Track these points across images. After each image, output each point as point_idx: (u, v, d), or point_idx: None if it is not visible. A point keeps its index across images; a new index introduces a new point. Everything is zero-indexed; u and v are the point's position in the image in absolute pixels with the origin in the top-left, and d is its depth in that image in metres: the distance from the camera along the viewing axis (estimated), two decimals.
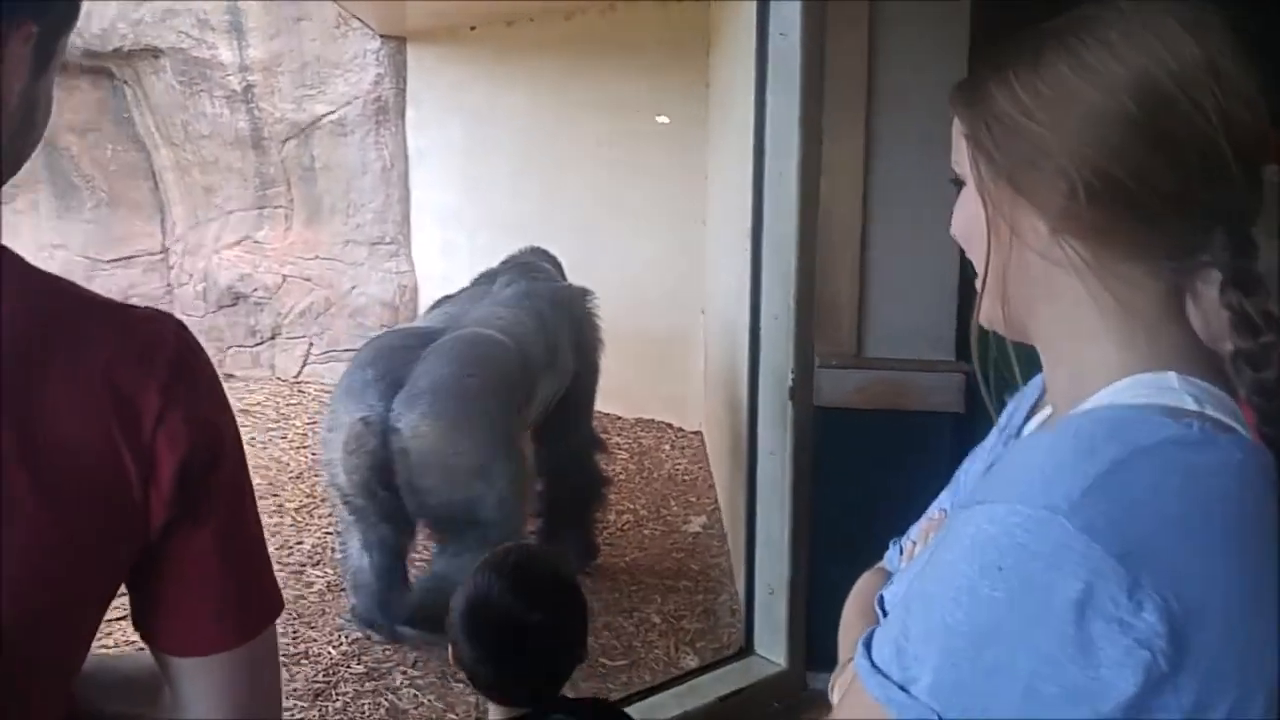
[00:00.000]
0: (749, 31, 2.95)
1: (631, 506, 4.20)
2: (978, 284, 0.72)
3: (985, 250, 0.70)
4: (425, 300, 6.16)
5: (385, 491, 2.63)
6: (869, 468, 2.50)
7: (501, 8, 5.23)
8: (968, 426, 2.53)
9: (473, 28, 5.59)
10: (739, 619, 3.18)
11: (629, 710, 2.49)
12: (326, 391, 6.10)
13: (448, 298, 3.51)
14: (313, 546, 3.73)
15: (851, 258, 2.41)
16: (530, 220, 5.55)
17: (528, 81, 5.47)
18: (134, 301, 0.77)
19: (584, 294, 3.48)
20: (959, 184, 0.74)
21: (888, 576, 0.96)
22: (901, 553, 0.96)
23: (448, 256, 6.05)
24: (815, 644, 2.61)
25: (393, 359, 2.70)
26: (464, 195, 5.89)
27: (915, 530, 0.96)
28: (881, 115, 2.35)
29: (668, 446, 5.02)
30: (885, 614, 0.82)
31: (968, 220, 0.73)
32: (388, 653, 2.93)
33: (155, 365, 0.71)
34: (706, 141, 4.95)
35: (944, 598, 0.58)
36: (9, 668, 0.68)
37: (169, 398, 0.71)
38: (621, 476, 4.57)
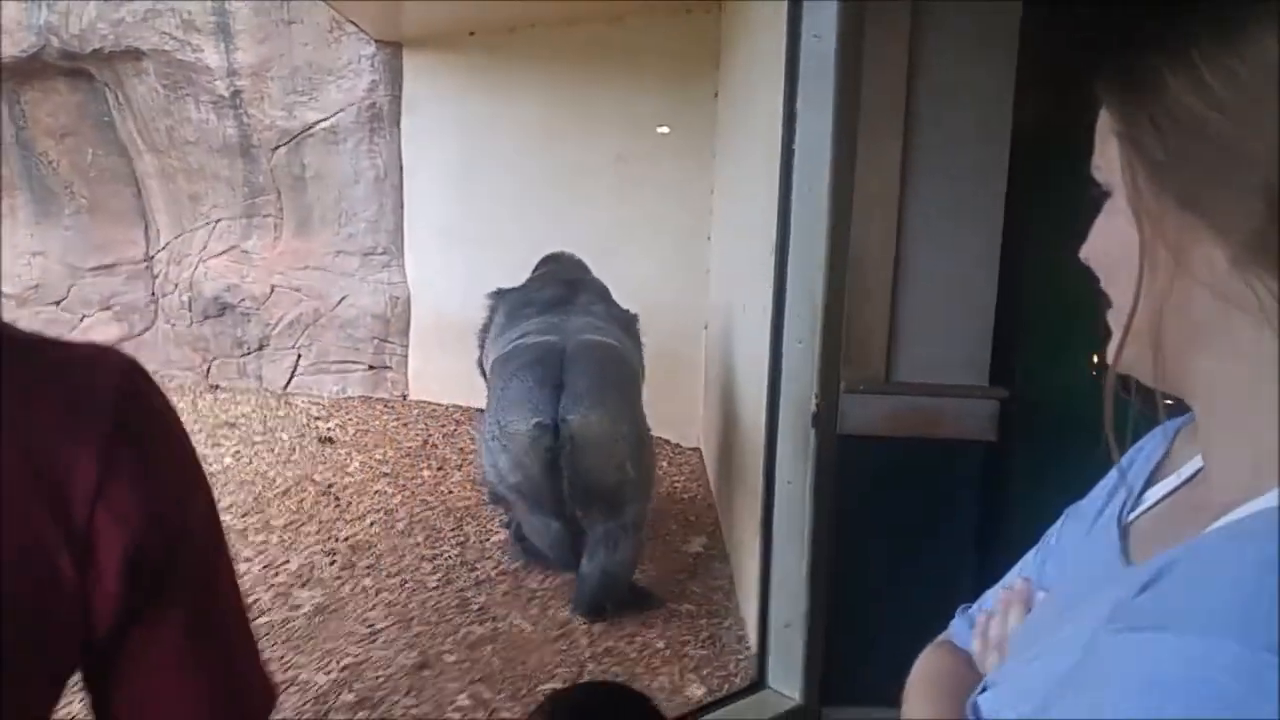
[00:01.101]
0: (770, 37, 2.85)
1: None
2: (1111, 320, 0.59)
3: (1135, 283, 0.55)
4: (418, 313, 6.05)
5: (554, 482, 3.07)
6: (895, 498, 2.40)
7: (502, 13, 5.13)
8: (1000, 456, 2.43)
9: (472, 33, 5.49)
10: (745, 645, 3.06)
11: None
12: (315, 403, 5.98)
13: (500, 294, 3.92)
14: (300, 566, 3.58)
15: (884, 278, 2.30)
16: (529, 233, 5.44)
17: (529, 90, 5.37)
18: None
19: (636, 318, 3.85)
20: (1101, 195, 0.59)
21: (959, 656, 0.82)
22: (972, 626, 0.82)
23: (442, 268, 5.93)
24: (831, 678, 2.51)
25: (544, 369, 3.15)
26: (460, 206, 5.78)
27: (991, 599, 0.82)
28: (920, 127, 2.23)
29: (665, 463, 4.91)
30: None
31: (1112, 243, 0.57)
32: (380, 680, 2.79)
33: (90, 424, 0.55)
34: (713, 155, 4.87)
35: None
36: None
37: (109, 466, 0.56)
38: None
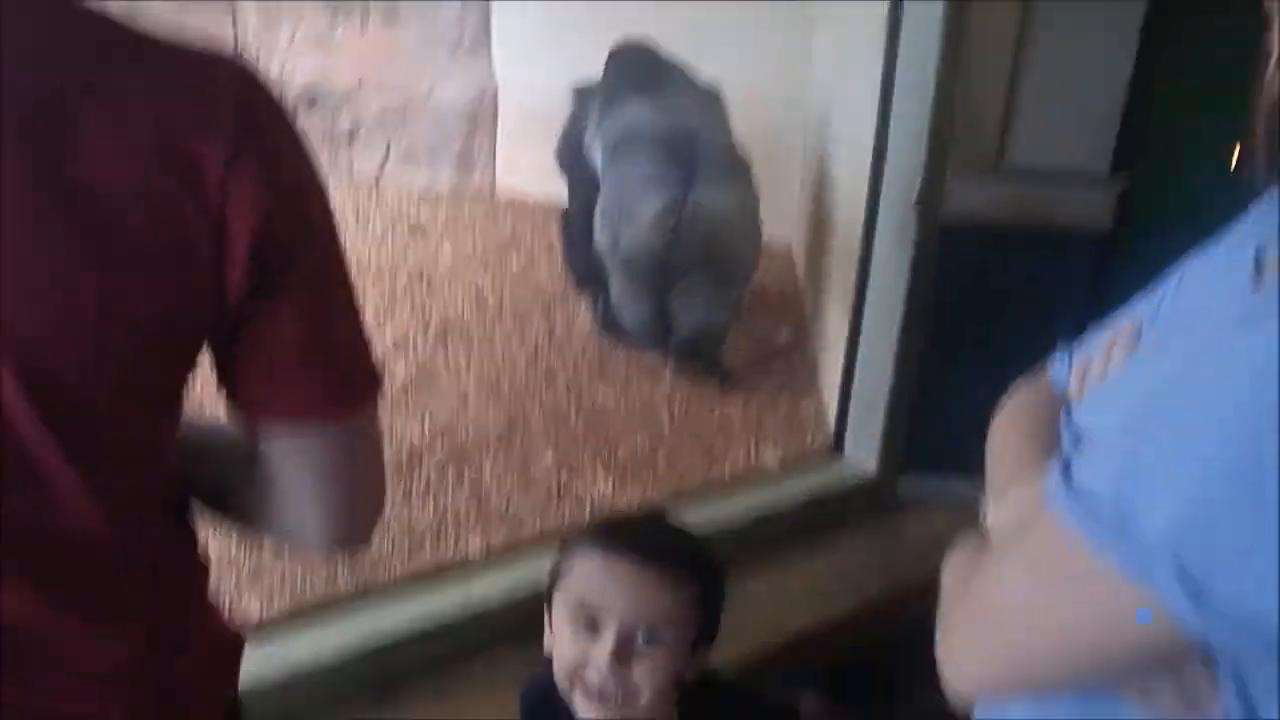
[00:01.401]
0: None
1: None
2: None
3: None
4: (506, 106, 5.96)
5: (669, 256, 3.30)
6: (997, 289, 2.32)
7: None
8: (1113, 250, 2.32)
9: None
10: (825, 427, 3.14)
11: (714, 503, 2.49)
12: (405, 194, 6.06)
13: (584, 91, 4.09)
14: (395, 338, 3.75)
15: (1004, 47, 2.15)
16: (620, 22, 5.23)
17: None
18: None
19: (719, 95, 3.97)
20: None
21: (1054, 394, 0.79)
22: (1072, 368, 0.79)
23: (530, 59, 5.79)
24: (909, 446, 2.53)
25: (669, 151, 3.39)
26: None
27: (1095, 341, 0.79)
28: None
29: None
30: (1075, 437, 0.68)
31: None
32: (471, 441, 2.97)
33: (216, 115, 0.60)
34: None
35: (1208, 430, 0.45)
36: (92, 442, 0.61)
37: (236, 154, 0.60)
38: None
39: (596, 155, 3.77)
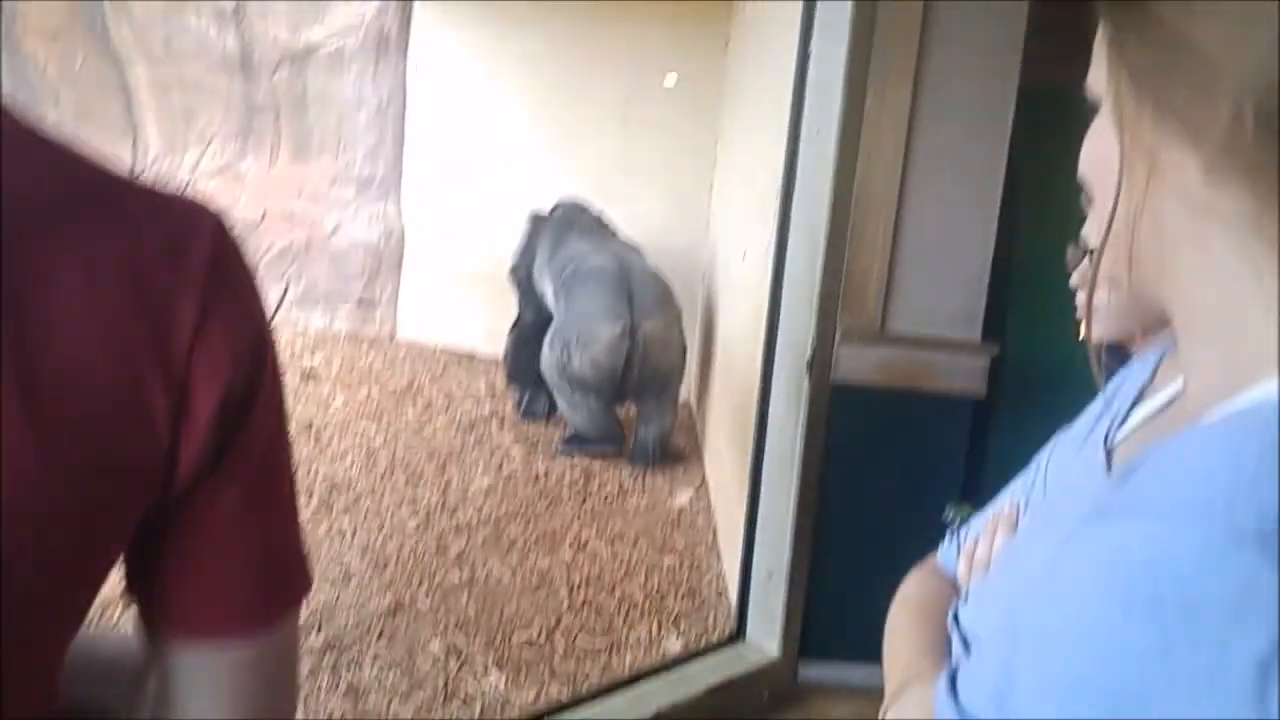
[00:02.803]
0: None
1: (616, 476, 4.02)
2: (1093, 232, 0.58)
3: (1115, 189, 0.56)
4: (412, 249, 5.92)
5: (625, 372, 4.02)
6: (882, 450, 2.37)
7: None
8: (989, 412, 2.42)
9: None
10: (725, 600, 3.02)
11: (614, 698, 2.35)
12: (300, 336, 5.88)
13: (539, 219, 4.78)
14: None
15: (885, 225, 2.23)
16: (530, 171, 5.32)
17: (540, 26, 5.21)
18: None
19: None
20: (1094, 111, 0.59)
21: (944, 579, 0.82)
22: (959, 551, 0.82)
23: (439, 203, 5.80)
24: (809, 632, 2.48)
25: (619, 288, 4.09)
26: (463, 139, 5.63)
27: (979, 523, 0.81)
28: (930, 78, 2.18)
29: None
30: (963, 638, 0.69)
31: (1097, 153, 0.58)
32: (351, 624, 2.74)
33: (191, 264, 0.55)
34: (720, 105, 4.73)
35: (1070, 638, 0.44)
36: None
37: (208, 306, 0.55)
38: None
39: (546, 283, 4.44)
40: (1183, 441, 0.49)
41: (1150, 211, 0.54)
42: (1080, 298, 1.31)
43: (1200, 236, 0.53)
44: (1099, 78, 0.58)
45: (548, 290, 4.45)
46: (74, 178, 0.55)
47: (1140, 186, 0.55)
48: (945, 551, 0.85)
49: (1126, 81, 0.55)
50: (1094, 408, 0.74)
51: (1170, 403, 0.63)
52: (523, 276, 4.74)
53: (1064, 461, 0.74)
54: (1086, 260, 1.23)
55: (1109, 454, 0.64)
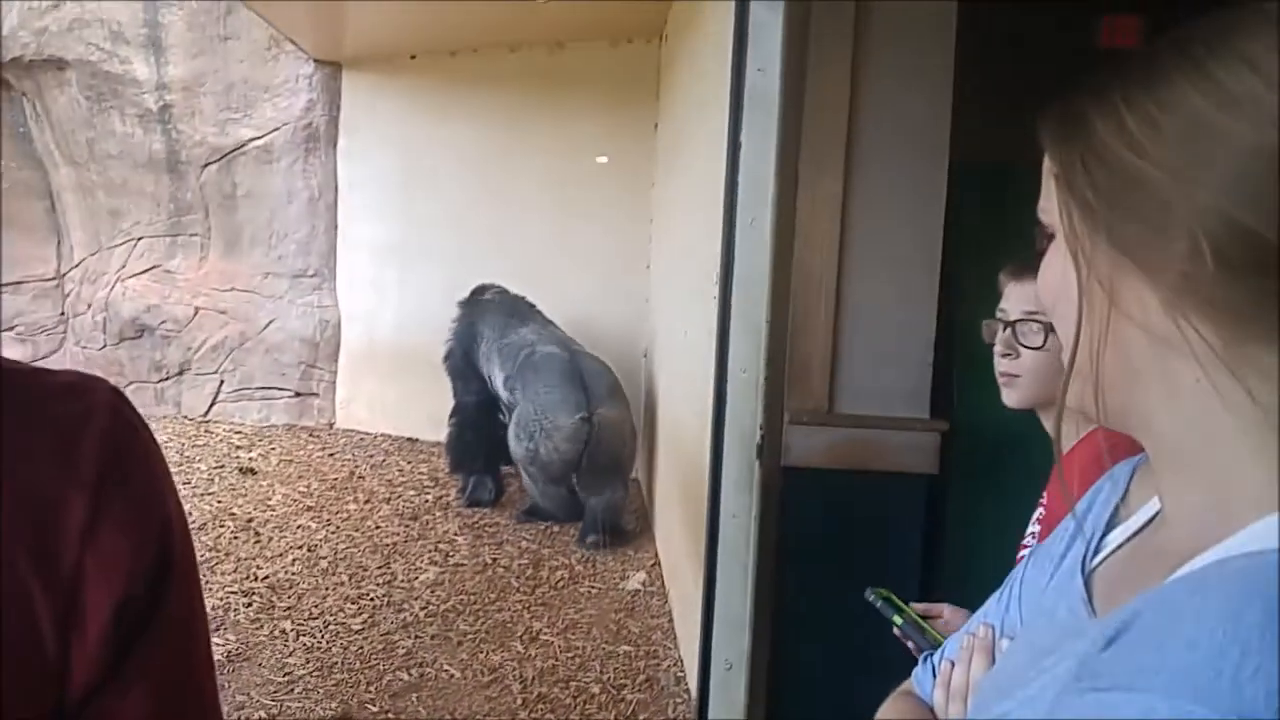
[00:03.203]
0: (714, 70, 2.83)
1: (566, 561, 3.97)
2: (1064, 357, 0.57)
3: (1075, 321, 0.55)
4: (348, 338, 5.86)
5: (581, 457, 4.18)
6: (838, 532, 2.37)
7: (444, 37, 5.06)
8: (942, 488, 2.43)
9: (413, 56, 5.40)
10: (684, 688, 2.97)
11: None
12: (237, 431, 5.73)
13: (474, 304, 4.80)
14: (213, 608, 3.38)
15: (826, 308, 2.27)
16: (464, 259, 5.34)
17: (468, 115, 5.30)
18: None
19: None
20: (1047, 236, 0.58)
21: (921, 705, 0.81)
22: (935, 675, 0.81)
23: (375, 291, 5.78)
24: None
25: (574, 377, 4.27)
26: (396, 229, 5.65)
27: (952, 647, 0.80)
28: (861, 161, 2.24)
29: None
30: None
31: (1054, 280, 0.57)
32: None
33: (80, 460, 0.50)
34: (652, 184, 4.84)
35: None
36: None
37: (99, 506, 0.50)
38: (554, 529, 4.34)
39: (495, 368, 4.53)
40: (1175, 598, 0.46)
41: (1114, 343, 0.53)
42: (1002, 365, 1.32)
43: (1167, 369, 0.51)
44: (1050, 206, 0.57)
45: (497, 376, 4.54)
46: None
47: (1101, 318, 0.53)
48: (920, 676, 0.84)
49: (1077, 215, 0.54)
50: (1067, 525, 0.70)
51: (1148, 524, 0.61)
52: (458, 362, 4.76)
53: (1038, 585, 0.71)
54: (1004, 331, 1.30)
55: (1088, 583, 0.62)
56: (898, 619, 1.33)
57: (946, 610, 1.38)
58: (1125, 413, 0.55)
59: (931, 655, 0.84)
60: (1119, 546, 0.62)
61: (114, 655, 0.51)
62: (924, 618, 1.37)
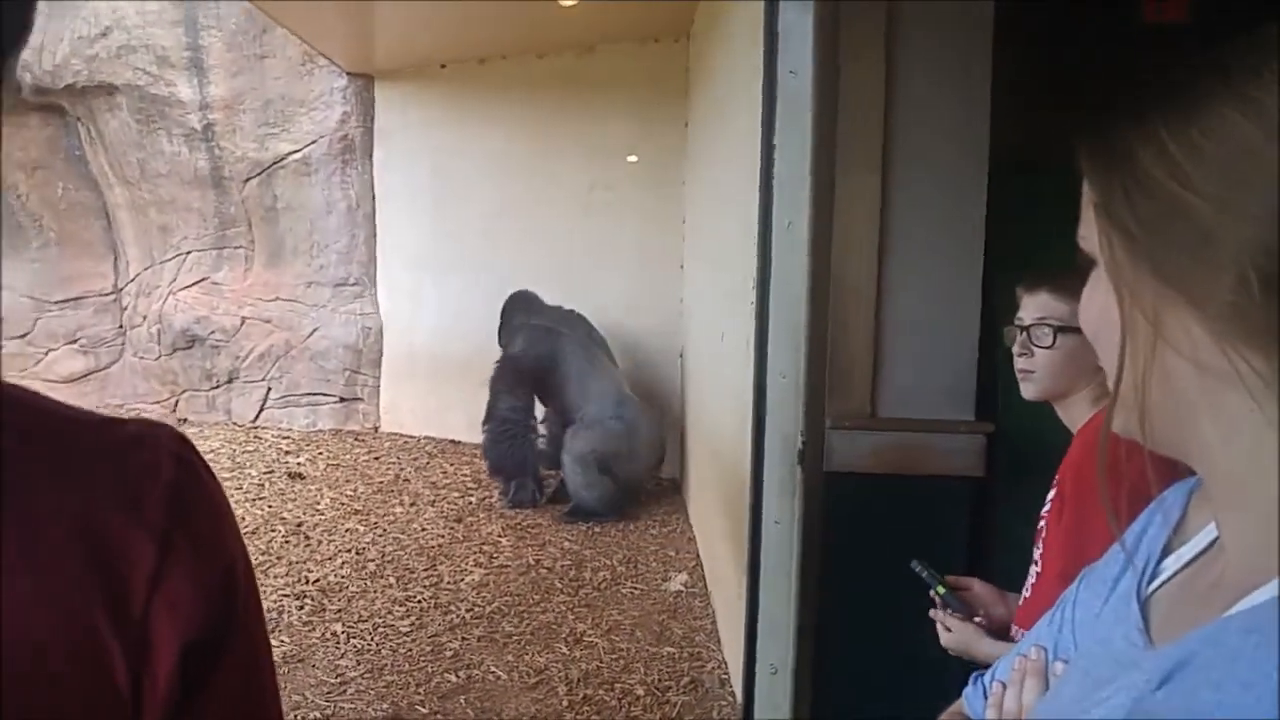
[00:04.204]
0: (743, 69, 2.83)
1: (608, 562, 3.99)
2: (1109, 384, 0.56)
3: (1119, 352, 0.54)
4: (390, 343, 5.95)
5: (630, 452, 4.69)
6: (883, 537, 2.33)
7: (473, 45, 5.11)
8: (988, 491, 2.38)
9: (443, 66, 5.46)
10: (729, 690, 2.98)
11: None
12: (285, 437, 5.85)
13: (521, 302, 4.94)
14: (267, 610, 3.46)
15: (865, 311, 2.24)
16: (502, 261, 5.39)
17: (501, 120, 5.34)
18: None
19: None
20: (1089, 263, 0.57)
21: None
22: (986, 696, 0.80)
23: (414, 298, 5.86)
24: None
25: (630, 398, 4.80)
26: (433, 236, 5.71)
27: (1004, 668, 0.79)
28: (898, 162, 2.20)
29: (643, 496, 4.83)
30: None
31: (1096, 308, 0.56)
32: None
33: (148, 507, 0.52)
34: (683, 183, 4.84)
35: None
36: None
37: (166, 553, 0.52)
38: (596, 530, 4.37)
39: (570, 399, 4.77)
40: (1230, 638, 0.46)
41: (1159, 372, 0.52)
42: (1019, 363, 1.48)
43: (1216, 399, 0.50)
44: (1090, 234, 0.56)
45: (573, 404, 4.79)
46: (22, 431, 0.52)
47: (1146, 348, 0.52)
48: (971, 696, 0.84)
49: (1119, 244, 0.53)
50: (1118, 548, 0.69)
51: (1206, 549, 0.59)
52: (519, 373, 4.79)
53: (1092, 609, 0.70)
54: (1020, 335, 1.46)
55: (1144, 609, 0.61)
56: (940, 588, 1.54)
57: (976, 584, 1.59)
58: (1177, 443, 0.54)
59: (982, 676, 0.84)
60: (1176, 573, 0.61)
61: (182, 694, 0.53)
62: (954, 589, 1.56)
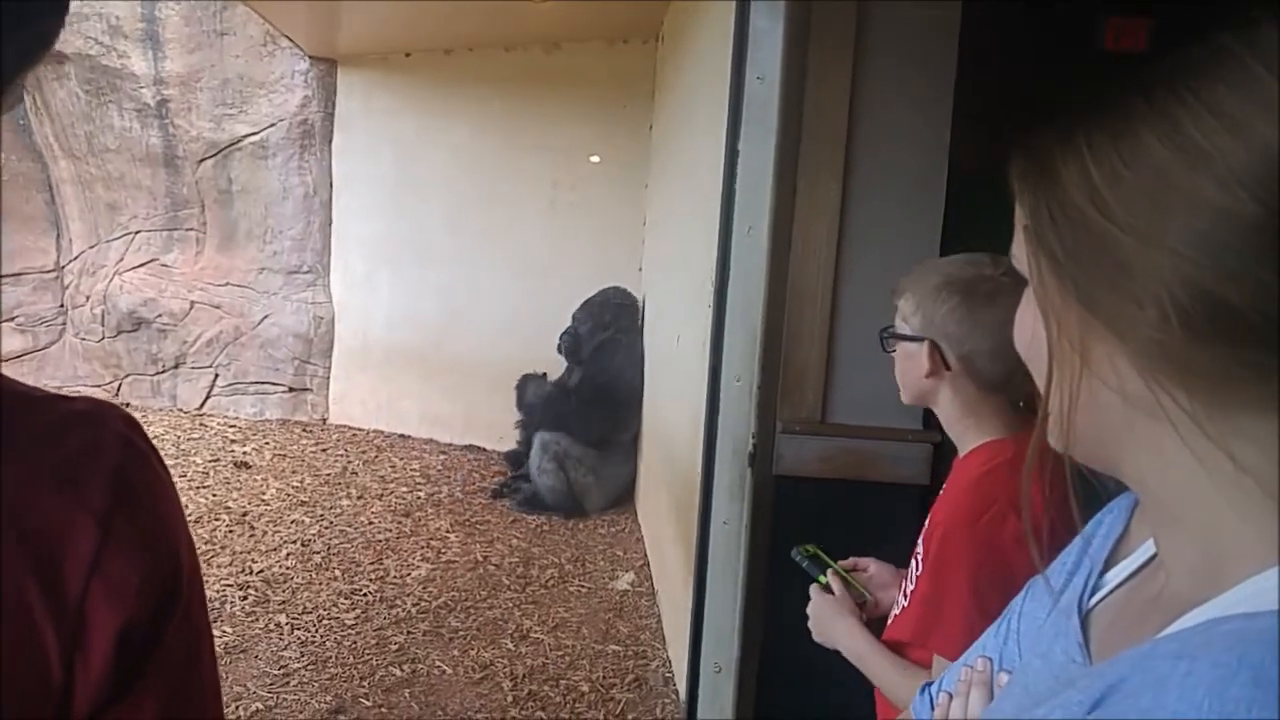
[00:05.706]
0: (709, 74, 2.86)
1: (556, 560, 3.99)
2: (1039, 405, 0.55)
3: (1047, 372, 0.52)
4: (342, 334, 5.87)
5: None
6: (829, 541, 2.36)
7: (440, 35, 5.07)
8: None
9: (409, 54, 5.40)
10: (672, 688, 3.00)
11: None
12: (231, 425, 5.75)
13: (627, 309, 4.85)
14: (209, 600, 3.38)
15: (821, 318, 2.27)
16: (460, 255, 5.36)
17: (465, 113, 5.31)
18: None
19: None
20: (1023, 283, 0.56)
21: None
22: (933, 705, 0.81)
23: (369, 289, 5.79)
24: None
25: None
26: (390, 227, 5.65)
27: (949, 679, 0.80)
28: (859, 171, 2.23)
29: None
30: None
31: (1029, 334, 0.55)
32: None
33: (91, 489, 0.51)
34: (646, 186, 4.86)
35: None
36: None
37: (107, 535, 0.51)
38: (545, 527, 4.37)
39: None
40: (1161, 663, 0.44)
41: (1087, 398, 0.50)
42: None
43: (1145, 432, 0.49)
44: (1021, 254, 0.54)
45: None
46: None
47: (1073, 375, 0.51)
48: (918, 706, 0.84)
49: (1047, 269, 0.51)
50: (1068, 555, 0.68)
51: (1147, 564, 0.59)
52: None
53: (1036, 619, 0.70)
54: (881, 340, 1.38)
55: (1084, 623, 0.61)
56: (821, 579, 1.41)
57: (873, 565, 1.48)
58: (1108, 463, 0.53)
59: (930, 686, 0.84)
60: (1118, 586, 0.61)
61: (118, 680, 0.52)
62: (849, 571, 1.45)
